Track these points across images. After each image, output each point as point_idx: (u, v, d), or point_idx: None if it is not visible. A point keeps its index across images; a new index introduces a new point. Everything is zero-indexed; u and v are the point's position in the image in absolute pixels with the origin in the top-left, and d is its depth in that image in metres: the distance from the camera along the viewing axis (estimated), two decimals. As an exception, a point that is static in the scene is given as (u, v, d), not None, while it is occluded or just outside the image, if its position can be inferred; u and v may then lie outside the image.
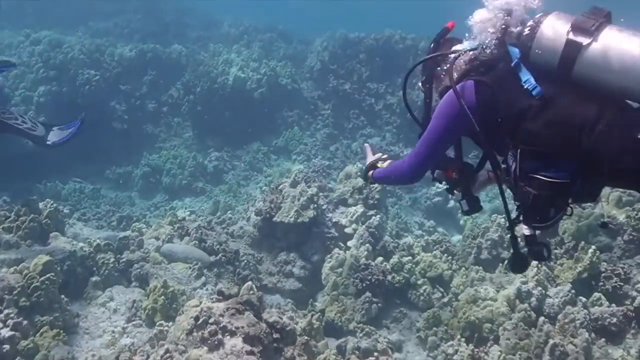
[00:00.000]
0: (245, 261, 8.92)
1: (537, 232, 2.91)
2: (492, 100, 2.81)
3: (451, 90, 2.90)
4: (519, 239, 3.02)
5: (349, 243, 9.31)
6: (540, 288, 7.29)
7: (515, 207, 2.90)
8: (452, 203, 12.28)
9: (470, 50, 3.03)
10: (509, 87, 2.79)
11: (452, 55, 3.07)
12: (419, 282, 8.59)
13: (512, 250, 3.09)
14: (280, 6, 36.76)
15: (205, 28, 22.76)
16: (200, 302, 6.19)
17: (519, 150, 2.76)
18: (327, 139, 15.47)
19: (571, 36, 2.63)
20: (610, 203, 8.38)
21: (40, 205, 8.83)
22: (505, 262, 8.35)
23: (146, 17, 22.36)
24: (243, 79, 15.55)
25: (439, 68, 3.20)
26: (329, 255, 8.94)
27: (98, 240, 8.23)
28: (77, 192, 13.84)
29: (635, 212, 7.83)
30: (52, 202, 9.11)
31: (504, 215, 3.33)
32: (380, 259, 8.76)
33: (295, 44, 20.06)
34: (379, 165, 3.58)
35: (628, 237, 7.73)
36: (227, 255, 8.75)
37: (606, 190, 8.94)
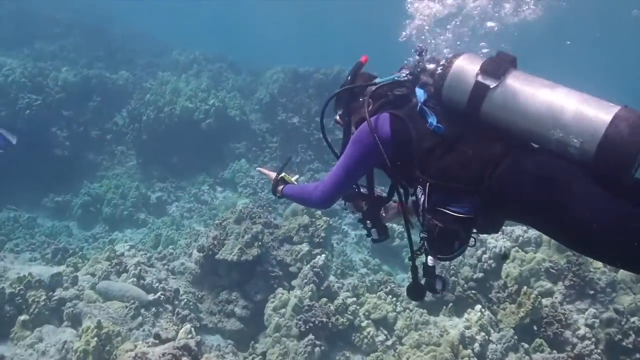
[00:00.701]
0: (185, 300, 8.64)
1: (439, 263, 3.04)
2: (406, 133, 2.92)
3: (366, 122, 2.98)
4: (420, 269, 3.10)
5: (293, 282, 9.15)
6: (483, 333, 7.29)
7: (420, 238, 2.99)
8: (397, 241, 12.27)
9: (387, 84, 3.15)
10: (419, 124, 2.91)
11: (370, 88, 3.18)
12: (363, 324, 8.47)
13: (411, 279, 3.15)
14: (231, 36, 36.76)
15: (155, 55, 22.53)
16: (135, 347, 5.92)
17: (427, 184, 2.87)
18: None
19: (480, 78, 2.77)
20: (551, 248, 8.50)
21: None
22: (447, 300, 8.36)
23: (94, 41, 21.94)
24: (191, 109, 15.33)
25: (356, 100, 3.27)
26: (272, 295, 8.75)
27: (29, 276, 7.82)
28: (11, 220, 13.26)
29: (576, 257, 7.96)
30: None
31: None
32: (324, 299, 8.62)
33: (244, 75, 20.03)
34: (286, 179, 3.59)
35: (569, 283, 7.83)
36: (167, 294, 8.45)
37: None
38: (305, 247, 9.53)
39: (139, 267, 8.74)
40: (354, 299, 8.78)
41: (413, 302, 9.06)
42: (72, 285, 8.15)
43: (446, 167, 2.83)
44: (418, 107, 2.93)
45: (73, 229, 13.82)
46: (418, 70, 3.07)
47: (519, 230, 8.87)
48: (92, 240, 13.18)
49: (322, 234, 9.86)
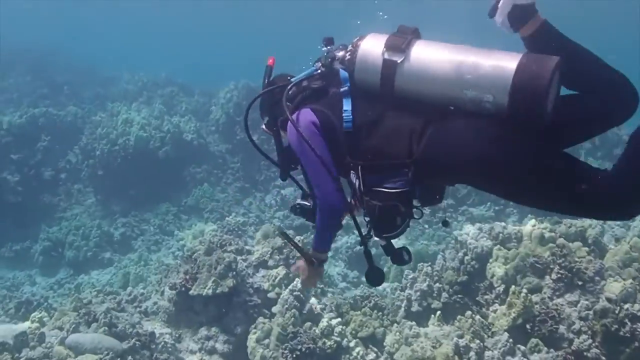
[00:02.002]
0: (163, 342, 8.18)
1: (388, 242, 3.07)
2: (329, 122, 2.97)
3: (289, 122, 2.99)
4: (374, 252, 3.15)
5: (274, 309, 8.75)
6: (477, 340, 7.04)
7: (365, 222, 3.01)
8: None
9: (304, 80, 3.15)
10: (338, 114, 2.97)
11: (287, 88, 3.14)
12: (352, 344, 8.14)
13: (367, 265, 3.14)
14: (175, 59, 36.05)
15: (101, 85, 21.90)
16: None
17: (359, 167, 2.93)
18: (238, 193, 14.94)
19: (386, 56, 2.84)
20: (533, 241, 8.31)
21: None
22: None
23: (35, 78, 21.23)
24: (145, 138, 14.81)
25: (278, 104, 3.19)
26: (253, 326, 8.33)
27: (-9, 340, 7.29)
28: (-32, 276, 12.56)
29: (559, 249, 7.77)
30: None
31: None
32: (308, 324, 8.24)
33: (196, 96, 19.51)
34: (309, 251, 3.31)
35: (556, 276, 7.63)
36: (142, 339, 7.98)
37: (527, 228, 8.94)
38: (282, 271, 9.12)
39: (109, 314, 8.23)
40: (339, 319, 8.45)
41: (399, 315, 8.82)
42: (39, 344, 7.64)
43: (373, 147, 2.89)
44: (342, 89, 2.98)
45: (36, 277, 13.18)
46: (329, 60, 3.09)
47: (498, 227, 8.68)
48: (57, 287, 12.58)
49: (298, 255, 9.48)
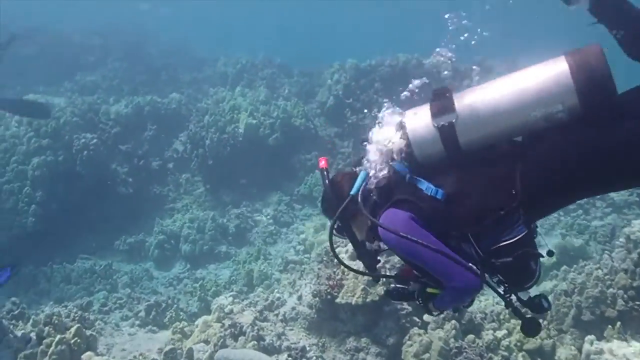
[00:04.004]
0: (314, 358, 7.56)
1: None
2: (419, 209, 2.85)
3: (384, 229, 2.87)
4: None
5: (425, 317, 7.98)
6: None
7: (497, 282, 2.89)
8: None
9: (364, 184, 3.05)
10: (420, 196, 2.85)
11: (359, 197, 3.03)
12: (519, 359, 7.31)
13: (521, 321, 2.97)
14: (265, 39, 35.33)
15: (196, 69, 21.47)
16: None
17: (469, 236, 2.82)
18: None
19: (440, 123, 2.78)
20: None
21: (63, 314, 7.48)
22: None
23: (133, 64, 21.06)
24: (255, 125, 14.20)
25: (350, 213, 3.12)
26: (407, 337, 7.59)
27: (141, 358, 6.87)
28: (87, 272, 12.39)
29: None
30: (75, 309, 7.76)
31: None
32: (471, 336, 7.44)
33: (296, 77, 18.75)
34: (430, 290, 3.15)
35: None
36: (292, 354, 7.40)
37: None
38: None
39: (256, 327, 7.69)
40: (505, 331, 7.61)
41: (565, 323, 7.91)
42: (188, 360, 7.17)
43: (472, 210, 2.80)
44: (407, 178, 2.92)
45: (152, 271, 12.91)
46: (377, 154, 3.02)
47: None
48: (177, 282, 12.26)
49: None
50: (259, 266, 11.25)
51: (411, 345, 7.46)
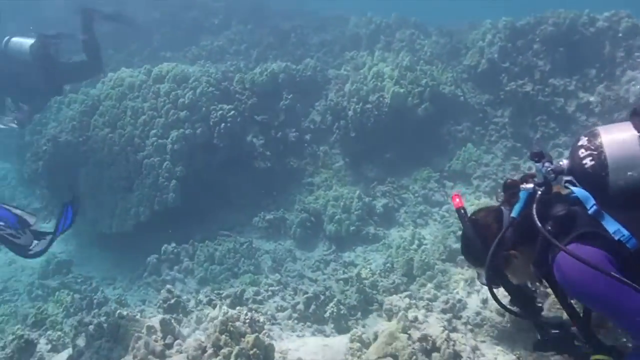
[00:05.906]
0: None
1: None
2: (613, 249, 2.53)
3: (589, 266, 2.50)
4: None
5: None
6: None
7: None
8: None
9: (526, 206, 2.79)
10: (602, 235, 2.52)
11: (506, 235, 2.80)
12: None
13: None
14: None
15: (323, 29, 20.35)
16: None
17: None
18: (510, 154, 12.76)
19: None
20: None
21: (233, 313, 6.77)
22: None
23: (257, 26, 20.25)
24: (402, 94, 12.94)
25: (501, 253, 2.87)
26: None
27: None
28: (231, 252, 11.83)
29: None
30: (245, 310, 7.00)
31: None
32: None
33: (434, 37, 17.19)
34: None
35: None
36: (496, 379, 6.32)
37: None
38: None
39: (450, 342, 6.64)
40: None
41: None
42: (378, 381, 6.24)
43: None
44: (592, 211, 2.57)
45: (295, 252, 12.20)
46: (552, 175, 2.73)
47: None
48: (324, 265, 11.46)
49: None
50: (420, 254, 10.17)
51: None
